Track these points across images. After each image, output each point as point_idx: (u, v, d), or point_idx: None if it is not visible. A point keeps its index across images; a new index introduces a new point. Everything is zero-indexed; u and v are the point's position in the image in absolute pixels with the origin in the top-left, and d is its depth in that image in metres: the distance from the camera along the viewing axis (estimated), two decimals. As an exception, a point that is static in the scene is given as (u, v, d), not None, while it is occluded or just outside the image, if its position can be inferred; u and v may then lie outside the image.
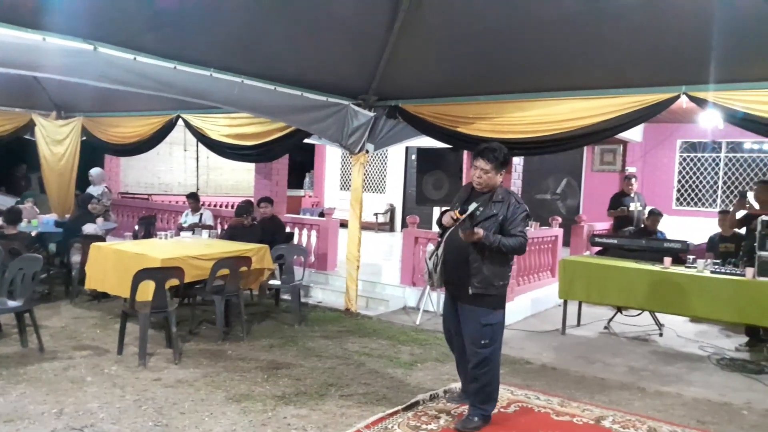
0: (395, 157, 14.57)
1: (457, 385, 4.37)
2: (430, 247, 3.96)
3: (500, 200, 3.76)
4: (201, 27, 4.86)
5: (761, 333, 6.11)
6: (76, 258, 6.93)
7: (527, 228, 3.88)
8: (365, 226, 12.36)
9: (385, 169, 14.97)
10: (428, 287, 6.51)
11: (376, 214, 14.21)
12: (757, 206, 6.15)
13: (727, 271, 5.76)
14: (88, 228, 7.49)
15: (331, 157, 15.65)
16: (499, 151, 3.76)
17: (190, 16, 4.62)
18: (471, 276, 3.70)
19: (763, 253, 5.43)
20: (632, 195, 8.59)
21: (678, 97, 5.13)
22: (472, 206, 3.70)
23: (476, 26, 4.85)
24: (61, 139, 9.70)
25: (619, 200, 8.67)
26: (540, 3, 4.24)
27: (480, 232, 3.60)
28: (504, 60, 5.38)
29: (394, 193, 14.76)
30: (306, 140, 7.71)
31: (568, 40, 4.83)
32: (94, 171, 9.34)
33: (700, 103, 5.09)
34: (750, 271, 5.51)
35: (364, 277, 7.46)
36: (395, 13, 4.82)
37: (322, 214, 10.09)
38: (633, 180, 8.76)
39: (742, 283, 5.48)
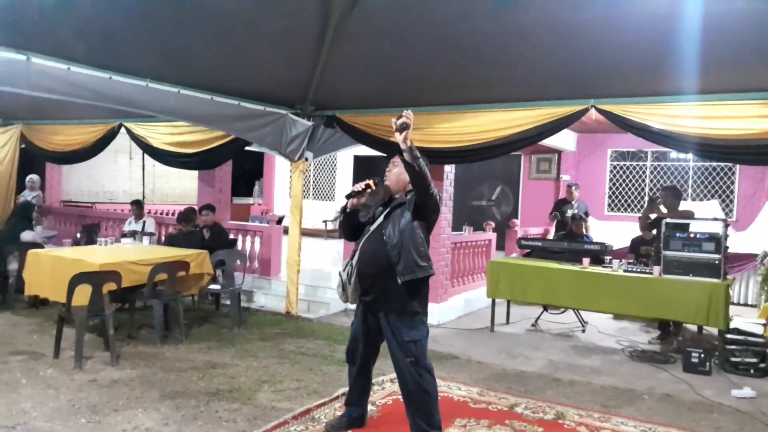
0: (344, 165, 14.77)
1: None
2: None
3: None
4: (135, 38, 5.00)
5: (671, 327, 6.62)
6: (13, 266, 6.91)
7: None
8: (314, 233, 12.61)
9: (334, 177, 15.15)
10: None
11: (325, 222, 14.37)
12: (665, 210, 6.64)
13: (638, 269, 6.22)
14: (27, 236, 7.47)
15: (280, 165, 15.63)
16: None
17: (122, 27, 4.76)
18: (395, 265, 3.43)
19: (667, 253, 5.92)
20: (574, 203, 9.12)
21: (588, 109, 5.58)
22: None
23: (402, 43, 5.16)
24: (0, 146, 9.61)
25: (559, 207, 9.21)
26: (457, 23, 4.56)
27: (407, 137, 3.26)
28: (430, 74, 5.70)
29: (343, 200, 14.81)
30: (247, 147, 7.88)
31: (486, 56, 5.18)
32: (35, 176, 9.36)
33: (607, 115, 5.54)
34: (656, 269, 5.99)
35: (307, 281, 7.66)
36: (325, 29, 5.09)
37: (270, 222, 10.22)
38: (573, 188, 9.30)
39: (650, 281, 5.96)
